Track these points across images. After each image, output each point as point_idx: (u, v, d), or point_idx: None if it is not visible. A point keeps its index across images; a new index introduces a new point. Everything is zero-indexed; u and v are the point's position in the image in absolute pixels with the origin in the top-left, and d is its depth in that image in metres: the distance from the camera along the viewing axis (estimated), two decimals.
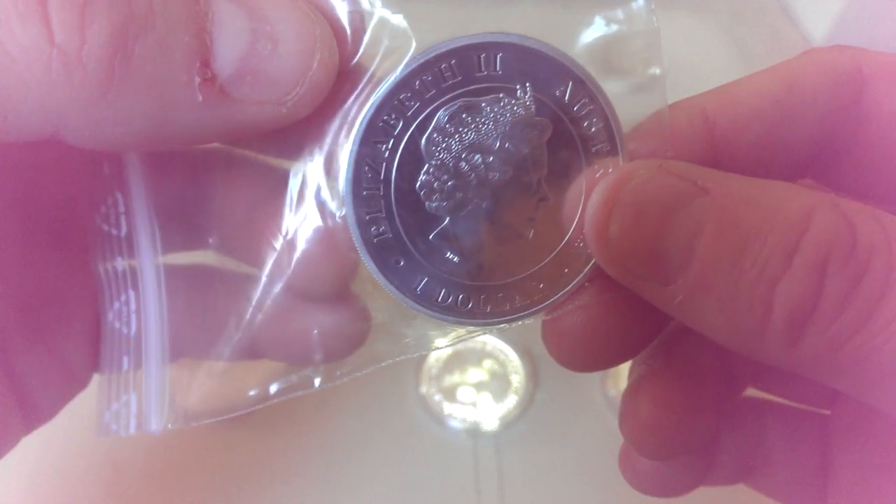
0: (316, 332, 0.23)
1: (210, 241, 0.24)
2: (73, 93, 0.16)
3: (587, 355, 0.22)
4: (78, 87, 0.16)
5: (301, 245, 0.21)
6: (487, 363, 0.45)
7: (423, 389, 0.44)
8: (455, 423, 0.43)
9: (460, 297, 0.21)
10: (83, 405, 0.27)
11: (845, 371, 0.17)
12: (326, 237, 0.21)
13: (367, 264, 0.20)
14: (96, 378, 0.26)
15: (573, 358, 0.22)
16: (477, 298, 0.21)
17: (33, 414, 0.25)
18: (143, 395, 0.24)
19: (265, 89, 0.18)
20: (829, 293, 0.17)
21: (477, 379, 0.45)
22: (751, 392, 0.28)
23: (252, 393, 0.23)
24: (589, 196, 0.20)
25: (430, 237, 0.20)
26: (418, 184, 0.20)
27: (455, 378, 0.45)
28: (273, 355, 0.24)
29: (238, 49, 0.17)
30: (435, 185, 0.20)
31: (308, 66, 0.18)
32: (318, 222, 0.21)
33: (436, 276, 0.21)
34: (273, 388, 0.24)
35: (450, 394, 0.44)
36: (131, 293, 0.24)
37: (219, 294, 0.24)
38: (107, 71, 0.16)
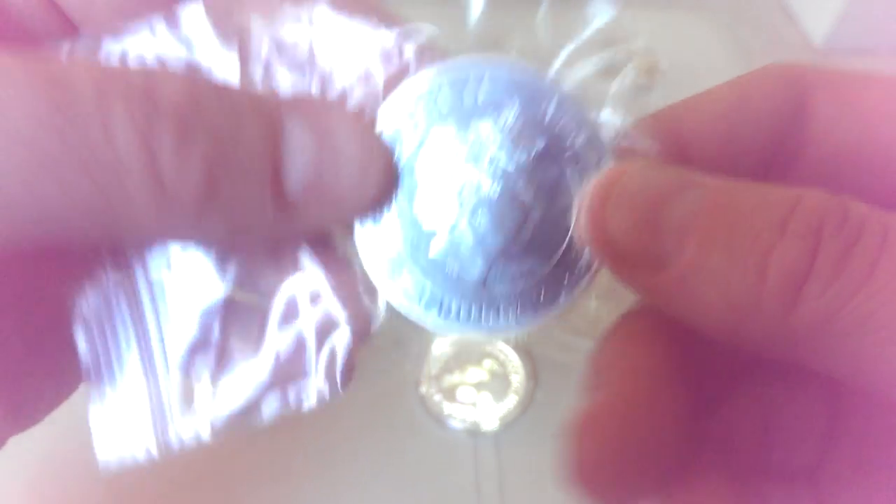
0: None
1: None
2: (170, 222, 0.18)
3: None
4: (175, 219, 0.18)
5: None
6: (487, 363, 0.45)
7: (423, 389, 0.44)
8: (455, 423, 0.43)
9: (462, 308, 0.22)
10: (83, 405, 0.27)
11: (843, 339, 0.18)
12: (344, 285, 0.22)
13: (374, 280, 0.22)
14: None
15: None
16: (479, 308, 0.22)
17: (19, 415, 0.24)
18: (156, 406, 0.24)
19: (329, 204, 0.20)
20: (824, 257, 0.17)
21: (477, 379, 0.45)
22: None
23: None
24: (582, 199, 0.21)
25: (430, 255, 0.21)
26: (414, 204, 0.21)
27: (455, 378, 0.45)
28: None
29: (307, 170, 0.19)
30: (431, 204, 0.21)
31: (369, 181, 0.20)
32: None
33: (439, 289, 0.22)
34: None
35: (450, 394, 0.44)
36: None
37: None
38: (200, 203, 0.18)
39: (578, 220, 0.21)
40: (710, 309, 0.19)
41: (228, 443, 0.40)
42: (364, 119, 0.20)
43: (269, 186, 0.19)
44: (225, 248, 0.21)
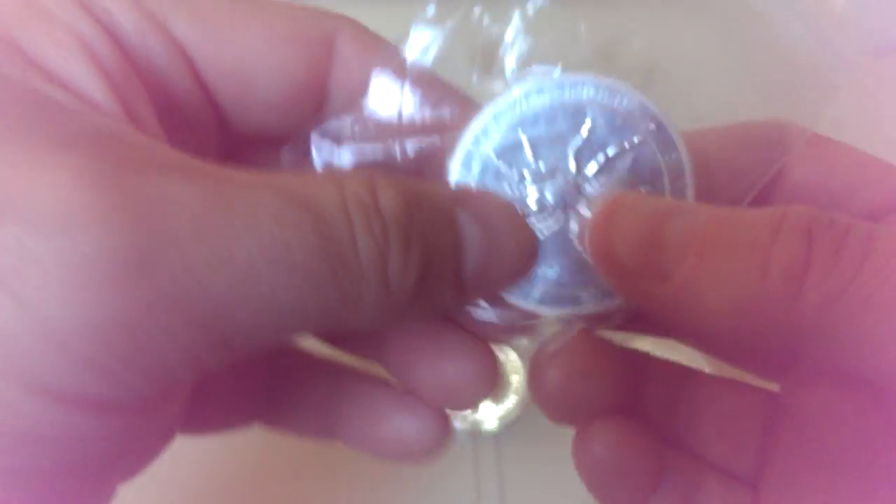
0: (403, 433, 0.26)
1: None
2: (383, 319, 0.20)
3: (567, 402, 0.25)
4: (388, 316, 0.20)
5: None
6: None
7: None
8: (455, 423, 0.43)
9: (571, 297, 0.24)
10: None
11: (846, 322, 0.19)
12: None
13: None
14: None
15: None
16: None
17: (128, 468, 0.25)
18: None
19: (491, 289, 0.23)
20: (819, 248, 0.19)
21: None
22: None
23: None
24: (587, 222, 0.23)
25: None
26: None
27: None
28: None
29: (476, 261, 0.21)
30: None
31: (522, 267, 0.23)
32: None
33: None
34: None
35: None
36: None
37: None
38: (411, 301, 0.20)
39: (586, 240, 0.22)
40: (715, 310, 0.20)
41: (229, 442, 0.40)
42: (516, 211, 0.23)
43: (456, 275, 0.21)
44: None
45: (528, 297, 0.23)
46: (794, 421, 0.24)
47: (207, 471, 0.41)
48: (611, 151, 0.22)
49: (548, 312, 0.24)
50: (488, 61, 0.23)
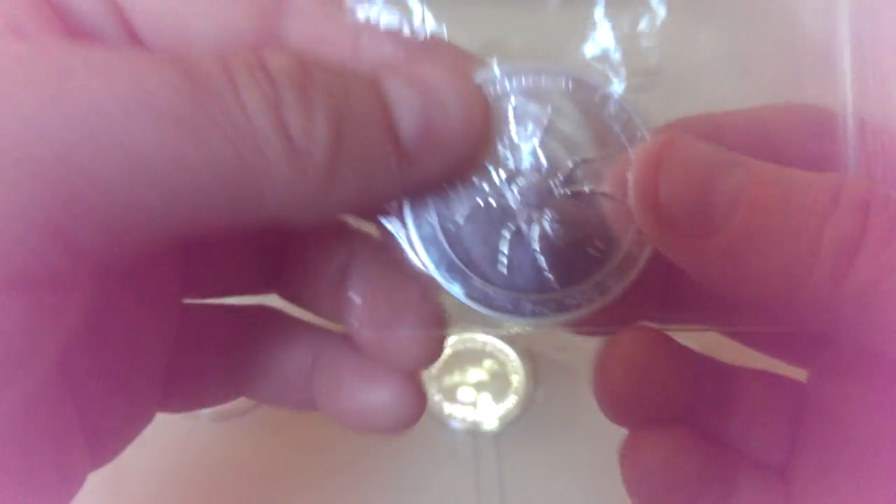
0: (370, 404, 0.25)
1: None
2: (306, 187, 0.18)
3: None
4: (310, 181, 0.18)
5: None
6: (487, 363, 0.45)
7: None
8: (455, 423, 0.43)
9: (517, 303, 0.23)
10: None
11: (888, 304, 0.18)
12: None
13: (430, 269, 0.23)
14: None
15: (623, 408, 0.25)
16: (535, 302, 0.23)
17: (99, 452, 0.24)
18: None
19: (440, 149, 0.20)
20: (873, 229, 0.19)
21: (477, 379, 0.45)
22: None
23: None
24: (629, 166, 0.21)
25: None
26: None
27: (455, 378, 0.45)
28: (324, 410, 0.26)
29: (415, 120, 0.20)
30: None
31: (474, 123, 0.21)
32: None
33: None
34: None
35: (450, 394, 0.44)
36: None
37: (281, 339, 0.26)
38: (330, 160, 0.18)
39: (628, 186, 0.21)
40: (758, 277, 0.20)
41: (229, 442, 0.40)
42: (457, 67, 0.21)
43: (388, 136, 0.19)
44: (353, 211, 0.22)
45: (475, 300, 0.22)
46: (822, 412, 0.24)
47: (208, 471, 0.41)
48: (586, 153, 0.22)
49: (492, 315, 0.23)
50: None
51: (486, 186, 0.22)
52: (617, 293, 0.22)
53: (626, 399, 0.25)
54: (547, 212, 0.22)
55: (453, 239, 0.22)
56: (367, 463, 0.42)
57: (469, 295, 0.23)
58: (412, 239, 0.22)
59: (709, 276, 0.21)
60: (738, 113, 0.24)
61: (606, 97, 0.22)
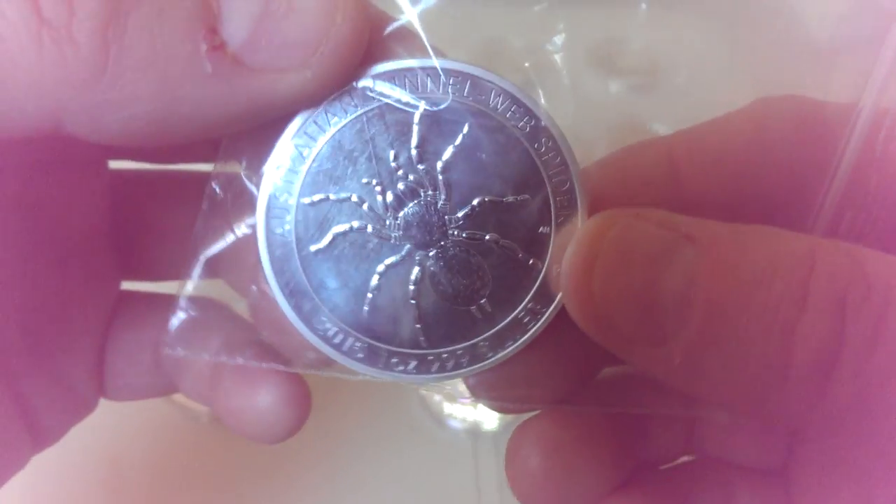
0: (252, 408, 0.22)
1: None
2: (68, 73, 0.15)
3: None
4: (72, 67, 0.15)
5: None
6: None
7: (424, 389, 0.44)
8: (455, 423, 0.43)
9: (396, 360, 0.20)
10: None
11: (881, 420, 0.16)
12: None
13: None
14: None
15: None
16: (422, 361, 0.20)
17: (41, 436, 0.24)
18: None
19: (285, 53, 0.16)
20: (853, 334, 0.16)
21: None
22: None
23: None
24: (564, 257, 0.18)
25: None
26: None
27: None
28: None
29: (250, 10, 0.16)
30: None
31: (331, 20, 0.16)
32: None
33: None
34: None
35: (450, 394, 0.44)
36: None
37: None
38: (100, 45, 0.15)
39: (560, 282, 0.18)
40: (723, 391, 0.17)
41: (228, 442, 0.40)
42: None
43: (200, 30, 0.15)
44: (158, 126, 0.16)
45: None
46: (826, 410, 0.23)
47: (207, 471, 0.41)
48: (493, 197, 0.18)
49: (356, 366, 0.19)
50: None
51: (364, 206, 0.18)
52: (491, 362, 0.19)
53: (535, 490, 0.22)
54: (433, 254, 0.18)
55: (309, 259, 0.18)
56: (366, 463, 0.42)
57: (313, 328, 0.19)
58: (260, 239, 0.18)
59: (666, 380, 0.18)
60: (719, 121, 0.21)
61: (539, 129, 0.18)
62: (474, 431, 0.43)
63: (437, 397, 0.44)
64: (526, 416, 0.23)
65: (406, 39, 0.18)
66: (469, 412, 0.43)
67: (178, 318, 0.21)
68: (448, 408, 0.43)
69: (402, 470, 0.42)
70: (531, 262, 0.19)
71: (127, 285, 0.27)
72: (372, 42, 0.17)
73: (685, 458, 0.26)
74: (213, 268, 0.21)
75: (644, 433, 0.25)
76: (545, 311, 0.19)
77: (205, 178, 0.21)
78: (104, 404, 0.27)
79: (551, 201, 0.18)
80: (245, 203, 0.19)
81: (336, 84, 0.17)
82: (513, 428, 0.41)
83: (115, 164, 0.26)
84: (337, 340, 0.19)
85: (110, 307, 0.26)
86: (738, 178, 0.20)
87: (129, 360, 0.26)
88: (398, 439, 0.43)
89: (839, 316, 0.16)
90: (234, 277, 0.22)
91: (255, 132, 0.18)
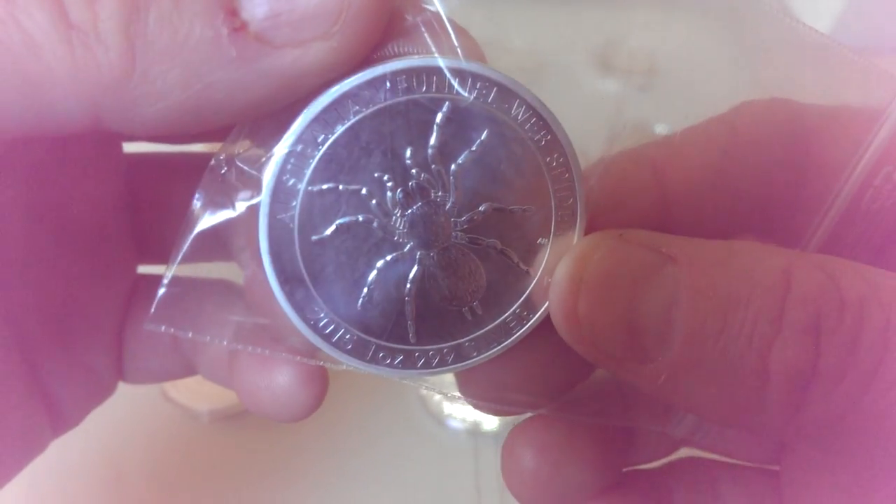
0: (269, 388, 0.22)
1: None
2: (101, 72, 0.15)
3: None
4: (104, 66, 0.15)
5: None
6: None
7: (424, 390, 0.44)
8: (455, 423, 0.43)
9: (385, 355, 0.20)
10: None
11: (857, 437, 0.17)
12: None
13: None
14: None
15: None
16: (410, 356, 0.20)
17: (60, 420, 0.25)
18: None
19: (307, 25, 0.16)
20: (827, 354, 0.16)
21: None
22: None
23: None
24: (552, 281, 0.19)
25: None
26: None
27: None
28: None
29: None
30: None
31: (360, 6, 0.16)
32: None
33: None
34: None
35: (453, 395, 0.44)
36: None
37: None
38: (125, 42, 0.15)
39: (549, 300, 0.19)
40: (707, 407, 0.18)
41: (229, 442, 0.40)
42: None
43: (219, 14, 0.15)
44: (194, 114, 0.17)
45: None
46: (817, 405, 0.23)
47: (207, 471, 0.41)
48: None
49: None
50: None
51: (373, 200, 0.18)
52: (474, 362, 0.20)
53: (530, 490, 0.23)
54: (433, 254, 0.19)
55: (309, 247, 0.18)
56: (366, 463, 0.42)
57: (304, 317, 0.19)
58: (261, 222, 0.18)
59: (652, 394, 0.19)
60: (700, 127, 0.22)
61: (554, 144, 0.18)
62: (474, 431, 0.43)
63: (436, 397, 0.44)
64: (525, 416, 0.24)
65: (431, 30, 0.18)
66: (469, 412, 0.43)
67: (165, 293, 0.20)
68: (448, 408, 0.43)
69: (403, 470, 0.42)
70: (525, 270, 0.19)
71: (144, 269, 0.27)
72: (396, 24, 0.18)
73: (683, 451, 0.27)
74: (208, 247, 0.20)
75: (634, 432, 0.25)
76: (531, 318, 0.20)
77: None
78: (104, 404, 0.27)
79: (553, 215, 0.19)
80: (248, 183, 0.19)
81: (361, 54, 0.17)
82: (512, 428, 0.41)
83: (129, 147, 0.26)
84: (328, 331, 0.19)
85: (128, 291, 0.26)
86: (716, 184, 0.21)
87: (147, 343, 0.26)
88: (398, 439, 0.43)
89: (814, 336, 0.16)
90: (228, 257, 0.22)
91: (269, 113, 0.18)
